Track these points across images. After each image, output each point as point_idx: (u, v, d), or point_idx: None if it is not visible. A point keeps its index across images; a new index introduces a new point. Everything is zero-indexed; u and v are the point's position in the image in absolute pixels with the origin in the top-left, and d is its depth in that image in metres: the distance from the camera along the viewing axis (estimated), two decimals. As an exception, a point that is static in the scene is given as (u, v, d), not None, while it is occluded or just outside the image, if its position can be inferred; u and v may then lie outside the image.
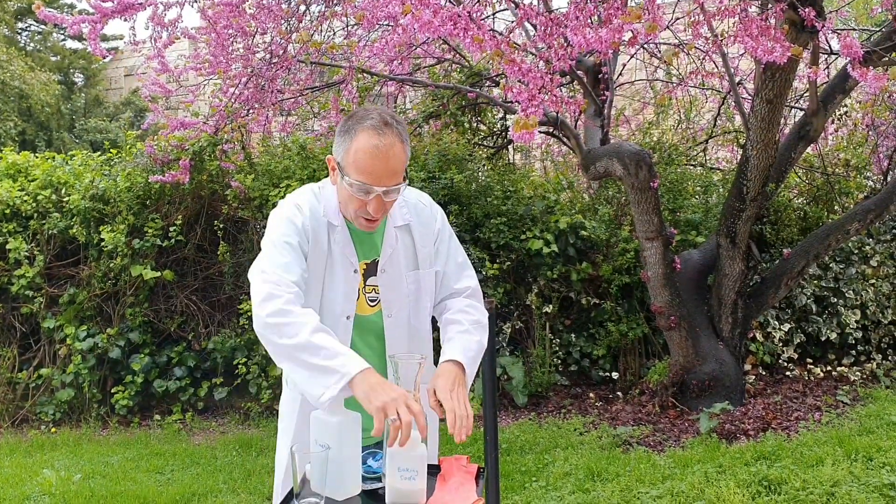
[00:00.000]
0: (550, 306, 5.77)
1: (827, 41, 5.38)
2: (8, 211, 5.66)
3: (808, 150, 5.89)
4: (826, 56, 5.82)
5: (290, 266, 1.79)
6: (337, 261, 1.91)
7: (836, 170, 6.76)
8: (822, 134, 5.82)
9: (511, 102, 5.44)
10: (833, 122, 6.90)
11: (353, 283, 1.92)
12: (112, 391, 5.52)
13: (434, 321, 2.07)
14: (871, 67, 3.09)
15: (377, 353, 1.95)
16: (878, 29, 5.31)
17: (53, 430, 5.41)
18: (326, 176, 1.98)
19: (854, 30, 6.19)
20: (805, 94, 6.19)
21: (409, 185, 1.93)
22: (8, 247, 5.56)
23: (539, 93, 2.46)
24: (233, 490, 4.19)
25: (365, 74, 5.57)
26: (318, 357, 1.66)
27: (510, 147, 7.65)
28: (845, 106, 6.80)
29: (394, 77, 6.18)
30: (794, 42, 3.58)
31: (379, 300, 1.95)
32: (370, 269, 1.93)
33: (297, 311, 1.72)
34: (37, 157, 6.14)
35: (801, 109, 6.15)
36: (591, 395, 5.66)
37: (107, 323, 5.64)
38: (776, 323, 5.94)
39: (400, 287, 1.96)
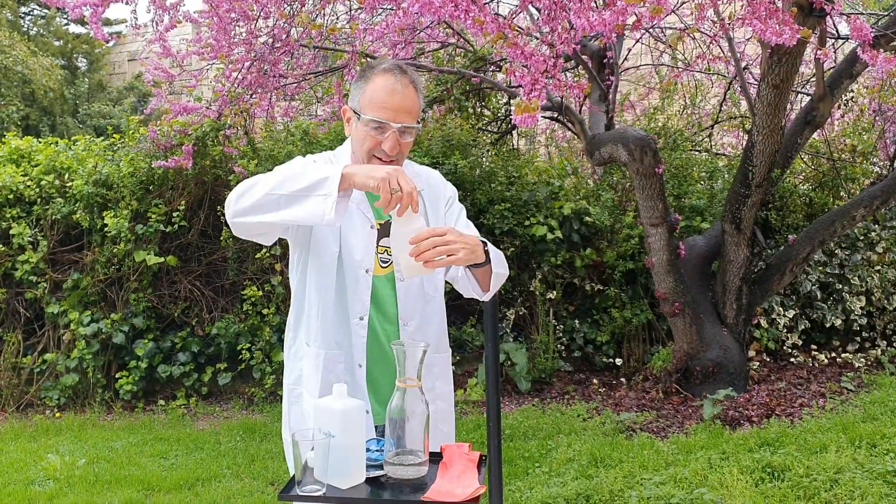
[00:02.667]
0: (554, 292, 5.76)
1: (834, 25, 5.33)
2: (11, 196, 5.65)
3: (815, 135, 5.85)
4: (833, 40, 5.77)
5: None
6: (354, 213, 1.93)
7: (843, 155, 6.72)
8: (829, 119, 5.78)
9: (515, 87, 5.41)
10: (839, 108, 6.85)
11: (370, 237, 1.94)
12: (116, 376, 5.54)
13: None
14: (880, 51, 3.05)
15: (392, 321, 1.95)
16: (886, 13, 5.25)
17: (58, 415, 5.43)
18: None
19: (862, 13, 6.12)
20: (811, 80, 6.14)
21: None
22: (11, 232, 5.56)
23: (542, 77, 2.44)
24: (236, 475, 4.21)
25: (368, 59, 5.53)
26: (299, 182, 1.69)
27: (514, 132, 7.62)
28: (852, 91, 6.75)
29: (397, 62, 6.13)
30: (802, 26, 3.54)
31: (391, 262, 1.96)
32: (384, 230, 1.94)
33: (258, 175, 1.78)
34: (40, 143, 6.13)
35: (807, 94, 6.09)
36: (595, 381, 5.66)
37: (111, 308, 5.65)
38: (781, 309, 5.92)
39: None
